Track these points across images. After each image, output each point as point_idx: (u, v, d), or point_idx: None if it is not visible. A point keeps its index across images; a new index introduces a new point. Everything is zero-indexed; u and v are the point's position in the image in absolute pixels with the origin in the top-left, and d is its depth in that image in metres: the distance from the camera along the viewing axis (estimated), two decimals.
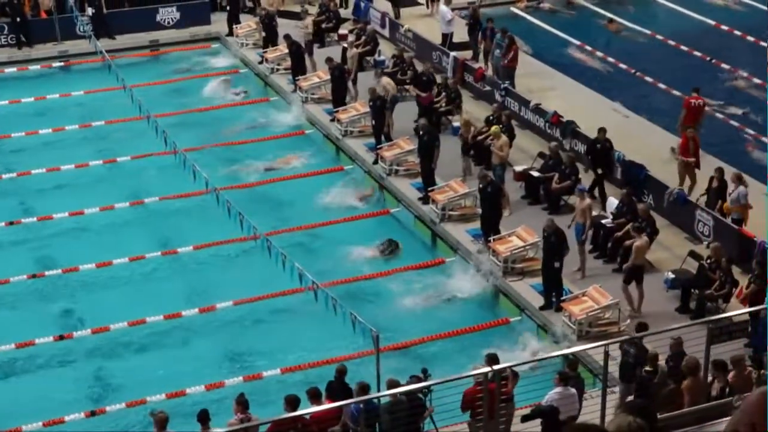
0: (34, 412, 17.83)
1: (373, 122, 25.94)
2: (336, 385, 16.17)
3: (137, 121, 25.96)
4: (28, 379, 19.07)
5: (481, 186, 21.82)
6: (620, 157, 23.26)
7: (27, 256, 22.67)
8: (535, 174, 23.52)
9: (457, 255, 22.12)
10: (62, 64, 32.42)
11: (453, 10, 31.42)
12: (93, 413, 17.90)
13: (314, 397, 15.50)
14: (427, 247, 23.29)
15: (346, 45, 29.97)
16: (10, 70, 31.85)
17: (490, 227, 21.63)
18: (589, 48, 32.74)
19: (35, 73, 31.93)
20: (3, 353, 19.49)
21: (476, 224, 22.42)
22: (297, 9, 33.77)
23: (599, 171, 23.06)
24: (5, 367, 19.34)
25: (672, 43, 32.85)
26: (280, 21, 32.47)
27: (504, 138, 23.54)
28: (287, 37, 29.84)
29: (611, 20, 34.88)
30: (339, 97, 27.73)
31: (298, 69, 29.51)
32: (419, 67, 28.06)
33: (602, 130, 23.42)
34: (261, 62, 31.15)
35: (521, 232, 21.40)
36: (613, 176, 23.44)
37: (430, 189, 23.45)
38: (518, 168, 23.93)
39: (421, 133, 23.99)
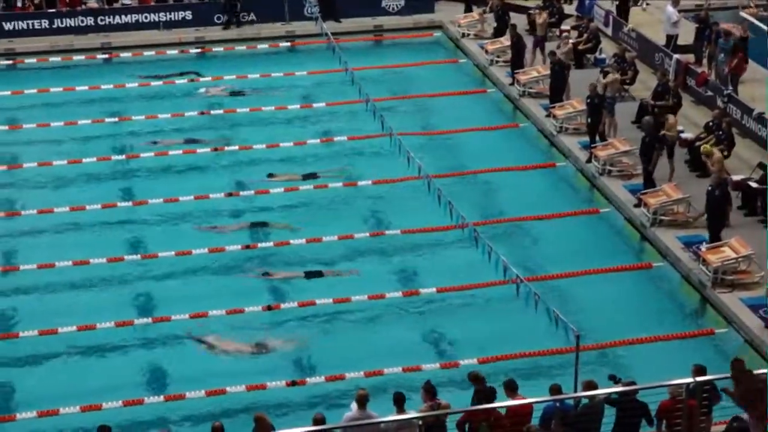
0: (237, 378, 18.55)
1: (589, 120, 25.72)
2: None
3: (356, 104, 26.52)
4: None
5: (710, 188, 21.41)
6: None
7: (245, 226, 23.49)
8: (754, 185, 22.87)
9: (666, 261, 21.77)
10: (289, 44, 33.45)
11: (680, 12, 30.78)
12: (294, 383, 18.46)
13: (511, 389, 15.52)
14: (635, 250, 22.99)
15: (533, 13, 30.06)
16: (240, 48, 33.07)
17: (712, 233, 21.22)
18: None
19: (263, 51, 33.04)
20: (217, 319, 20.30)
21: (688, 231, 22.04)
22: (522, 2, 33.75)
23: None
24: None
25: None
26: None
27: (717, 154, 22.92)
28: (513, 26, 29.98)
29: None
30: (557, 93, 27.60)
31: (517, 62, 29.53)
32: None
33: None
34: (486, 54, 31.23)
35: (734, 243, 20.88)
36: None
37: (642, 192, 23.12)
38: (736, 177, 23.30)
39: (643, 133, 23.65)
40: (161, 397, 18.14)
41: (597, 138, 25.55)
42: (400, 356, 19.05)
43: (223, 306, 20.35)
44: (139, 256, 22.28)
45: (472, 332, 20.01)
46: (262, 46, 33.28)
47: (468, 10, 33.94)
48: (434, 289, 21.05)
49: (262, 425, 14.55)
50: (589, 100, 25.65)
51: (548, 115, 27.38)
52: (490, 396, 15.22)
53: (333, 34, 28.25)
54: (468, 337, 19.86)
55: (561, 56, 27.86)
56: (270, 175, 24.93)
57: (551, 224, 23.46)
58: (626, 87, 27.87)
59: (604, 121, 25.68)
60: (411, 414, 14.86)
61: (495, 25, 32.09)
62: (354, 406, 14.92)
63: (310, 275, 21.73)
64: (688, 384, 14.34)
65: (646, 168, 23.51)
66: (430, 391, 15.36)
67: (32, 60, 32.29)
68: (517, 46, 29.59)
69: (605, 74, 27.36)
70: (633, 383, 15.37)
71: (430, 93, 29.85)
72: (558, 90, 27.63)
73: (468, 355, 19.12)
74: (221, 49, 33.12)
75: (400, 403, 15.05)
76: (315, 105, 29.24)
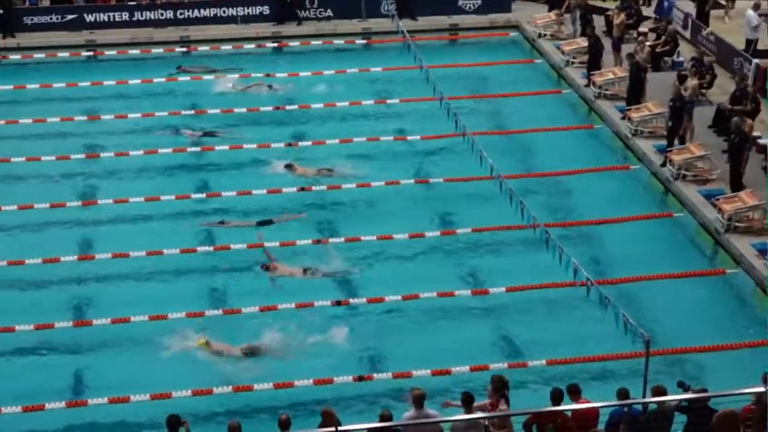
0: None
1: (670, 123, 25.44)
2: None
3: (430, 102, 26.54)
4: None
5: None
6: None
7: (313, 219, 23.69)
8: None
9: (740, 268, 21.52)
10: (365, 41, 33.59)
11: (760, 16, 30.36)
12: (361, 378, 18.57)
13: (574, 393, 15.46)
14: (708, 256, 22.74)
15: (611, 14, 29.80)
16: (316, 42, 33.27)
17: None
18: None
19: (339, 47, 33.22)
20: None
21: (763, 238, 21.78)
22: (600, 3, 33.55)
23: None
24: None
25: None
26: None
27: None
28: (591, 27, 29.84)
29: None
30: (634, 96, 27.39)
31: (595, 63, 29.34)
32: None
33: None
34: (562, 55, 31.09)
35: None
36: None
37: (716, 197, 22.88)
38: None
39: (732, 134, 23.38)
40: (230, 388, 18.33)
41: (676, 142, 25.28)
42: (467, 355, 19.05)
43: (292, 300, 20.50)
44: (211, 247, 22.51)
45: (540, 333, 19.95)
46: (338, 42, 33.45)
47: (551, 10, 33.77)
48: (503, 289, 21.02)
49: (329, 420, 14.64)
50: (671, 103, 25.38)
51: (623, 118, 27.17)
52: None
53: (409, 31, 28.25)
54: (536, 339, 19.79)
55: (639, 59, 27.62)
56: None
57: (623, 227, 23.29)
58: (704, 91, 27.57)
59: (686, 126, 25.38)
60: (480, 414, 14.90)
61: (579, 23, 31.90)
62: (411, 406, 14.96)
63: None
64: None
65: (735, 168, 23.24)
66: (496, 390, 15.33)
67: (112, 52, 32.77)
68: (595, 48, 29.39)
69: (682, 78, 27.11)
70: (704, 390, 15.23)
71: (505, 93, 29.78)
72: (635, 92, 27.39)
73: (536, 357, 19.06)
74: (297, 44, 33.35)
75: (468, 403, 15.05)
76: (389, 102, 29.34)
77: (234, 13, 34.23)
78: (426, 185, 25.17)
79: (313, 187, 24.85)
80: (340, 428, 13.63)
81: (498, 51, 33.10)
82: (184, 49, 33.18)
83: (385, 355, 19.41)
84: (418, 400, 14.92)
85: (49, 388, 18.50)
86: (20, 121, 28.19)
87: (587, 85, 29.21)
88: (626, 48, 29.60)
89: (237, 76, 30.69)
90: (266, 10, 34.25)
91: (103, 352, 19.44)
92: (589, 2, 33.28)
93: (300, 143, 27.09)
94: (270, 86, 30.10)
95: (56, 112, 28.47)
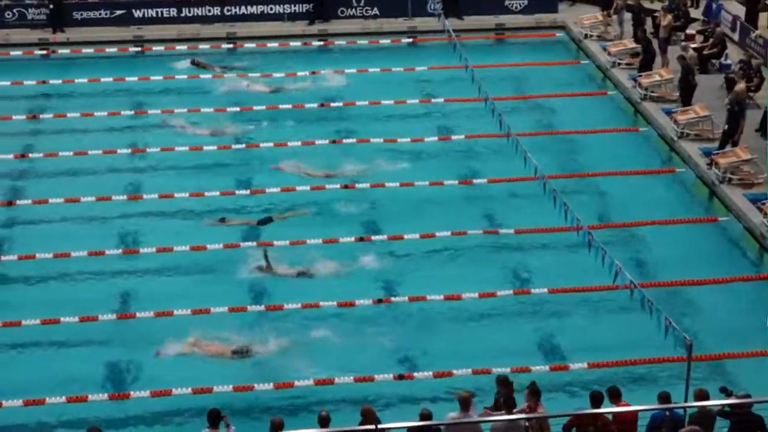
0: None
1: (726, 126, 25.24)
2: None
3: (475, 102, 26.52)
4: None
5: None
6: None
7: (356, 219, 23.74)
8: None
9: None
10: (410, 40, 33.63)
11: None
12: (401, 377, 18.60)
13: (614, 396, 15.41)
14: (753, 261, 22.57)
15: (658, 15, 29.60)
16: (362, 42, 33.36)
17: None
18: None
19: (384, 45, 33.29)
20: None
21: None
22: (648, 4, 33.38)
23: None
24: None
25: None
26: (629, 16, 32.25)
27: None
28: (644, 30, 29.68)
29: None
30: (682, 97, 27.22)
31: (647, 65, 29.18)
32: None
33: None
34: (608, 56, 30.96)
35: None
36: None
37: (762, 201, 22.69)
38: None
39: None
40: (271, 385, 18.43)
41: (730, 145, 25.09)
42: (508, 356, 19.03)
43: (334, 298, 20.60)
44: (254, 243, 22.63)
45: (582, 336, 19.91)
46: (384, 41, 33.52)
47: (603, 10, 33.61)
48: (546, 290, 20.98)
49: (369, 418, 14.69)
50: (729, 107, 25.20)
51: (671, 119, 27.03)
52: (512, 402, 15.20)
53: (455, 31, 28.24)
54: (578, 341, 19.75)
55: (688, 60, 27.49)
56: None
57: (668, 230, 23.15)
58: (751, 94, 27.34)
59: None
60: (520, 416, 14.89)
61: (630, 24, 31.74)
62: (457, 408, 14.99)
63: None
64: None
65: None
66: (535, 393, 15.33)
67: (160, 47, 33.02)
68: (648, 49, 29.27)
69: (730, 81, 26.91)
70: (748, 396, 15.12)
71: (550, 93, 29.70)
72: (686, 94, 27.25)
73: (577, 359, 19.02)
74: (343, 42, 33.44)
75: (509, 405, 15.05)
76: (433, 101, 29.36)
77: (281, 11, 34.38)
78: (470, 185, 25.14)
79: (357, 185, 24.90)
80: (379, 426, 13.67)
81: (544, 51, 33.03)
82: (230, 46, 33.35)
83: (425, 353, 19.42)
84: (465, 403, 14.97)
85: (91, 379, 18.69)
86: (68, 115, 28.45)
87: (634, 87, 29.06)
88: (673, 50, 29.45)
89: (234, 75, 30.87)
90: (312, 8, 34.36)
91: (145, 345, 19.59)
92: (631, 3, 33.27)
93: (344, 140, 27.17)
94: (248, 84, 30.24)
95: (104, 107, 28.73)
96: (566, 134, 27.52)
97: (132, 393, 18.17)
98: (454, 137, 27.36)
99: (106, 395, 18.17)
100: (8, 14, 33.68)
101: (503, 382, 15.87)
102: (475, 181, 25.27)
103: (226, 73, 31.02)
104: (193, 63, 31.45)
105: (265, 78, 30.65)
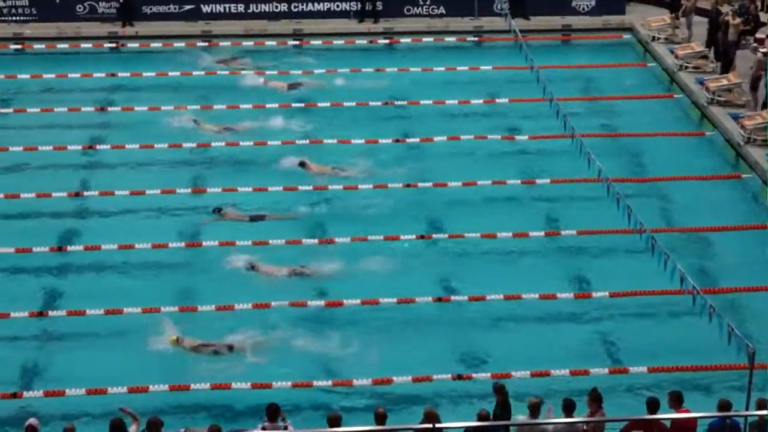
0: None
1: None
2: None
3: (539, 102, 26.44)
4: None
5: None
6: None
7: (419, 219, 23.76)
8: None
9: None
10: (476, 39, 33.60)
11: None
12: (459, 377, 18.61)
13: (676, 401, 15.29)
14: None
15: (728, 19, 29.26)
16: (427, 39, 33.37)
17: None
18: None
19: (450, 44, 33.27)
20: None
21: None
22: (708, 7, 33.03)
23: None
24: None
25: None
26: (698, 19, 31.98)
27: None
28: (725, 33, 29.42)
29: None
30: (754, 102, 26.98)
31: (725, 68, 28.90)
32: None
33: None
34: (676, 59, 30.67)
35: None
36: None
37: None
38: None
39: None
40: (330, 382, 18.53)
41: None
42: (567, 358, 18.97)
43: (395, 294, 20.61)
44: (316, 240, 22.74)
45: (642, 340, 19.78)
46: (450, 39, 33.51)
47: (672, 12, 33.33)
48: (607, 293, 20.86)
49: (431, 421, 14.72)
50: None
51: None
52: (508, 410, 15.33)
53: (521, 31, 28.19)
54: (638, 345, 19.62)
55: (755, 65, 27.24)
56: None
57: (732, 236, 22.92)
58: None
59: None
60: (577, 418, 14.85)
61: (707, 29, 31.47)
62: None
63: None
64: None
65: None
66: (596, 399, 15.28)
67: (227, 43, 33.27)
68: (726, 53, 29.01)
69: None
70: None
71: (616, 95, 29.52)
72: (754, 101, 27.03)
73: (638, 363, 18.88)
74: (409, 40, 33.47)
75: (569, 409, 15.03)
76: (498, 101, 29.30)
77: (347, 8, 34.51)
78: (532, 185, 25.07)
79: (419, 184, 24.93)
80: (437, 425, 13.70)
81: (610, 53, 32.81)
82: (297, 43, 33.52)
83: (484, 354, 19.42)
84: (535, 408, 15.07)
85: (151, 369, 18.94)
86: (136, 108, 28.78)
87: (703, 90, 28.76)
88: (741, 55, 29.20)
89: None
90: (379, 5, 34.44)
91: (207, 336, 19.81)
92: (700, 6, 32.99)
93: (408, 139, 27.22)
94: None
95: (170, 101, 29.01)
96: (631, 137, 27.33)
97: (192, 385, 18.33)
98: (517, 137, 27.29)
99: (166, 386, 18.35)
100: (79, 8, 34.15)
101: (499, 389, 15.91)
102: (538, 181, 25.18)
103: (291, 69, 31.16)
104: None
105: (330, 75, 30.76)
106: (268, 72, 30.95)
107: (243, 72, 30.92)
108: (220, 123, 27.92)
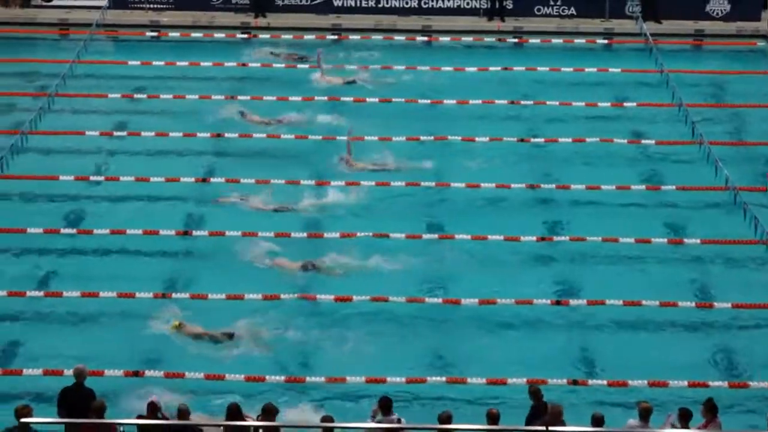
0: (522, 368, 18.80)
1: None
2: None
3: (668, 107, 26.11)
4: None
5: None
6: None
7: (540, 219, 23.72)
8: None
9: None
10: (606, 41, 33.31)
11: None
12: (575, 382, 18.46)
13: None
14: None
15: None
16: (557, 40, 33.21)
17: None
18: None
19: (580, 45, 33.04)
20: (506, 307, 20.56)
21: None
22: None
23: None
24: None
25: None
26: None
27: None
28: None
29: None
30: None
31: None
32: None
33: None
34: None
35: None
36: None
37: None
38: None
39: None
40: (403, 379, 18.39)
41: None
42: (685, 369, 18.71)
43: (513, 296, 20.61)
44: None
45: (763, 353, 19.41)
46: (579, 41, 33.28)
47: None
48: (729, 305, 20.51)
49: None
50: None
51: None
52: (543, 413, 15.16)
53: (652, 34, 27.89)
54: (759, 358, 19.27)
55: None
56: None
57: None
58: None
59: None
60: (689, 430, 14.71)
61: None
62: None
63: None
64: None
65: None
66: (711, 409, 15.12)
67: (356, 36, 33.56)
68: None
69: None
70: None
71: (746, 103, 28.95)
72: None
73: (758, 377, 18.55)
74: (538, 40, 33.33)
75: (686, 419, 14.92)
76: (626, 104, 28.98)
77: (477, 6, 34.51)
78: (657, 191, 24.76)
79: (542, 185, 24.84)
80: (551, 428, 13.71)
81: (743, 60, 32.23)
82: (426, 39, 33.66)
83: (601, 360, 19.27)
84: (646, 413, 15.01)
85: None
86: (264, 98, 29.18)
87: None
88: None
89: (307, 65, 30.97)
90: (509, 4, 34.36)
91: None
92: None
93: (532, 140, 27.13)
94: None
95: (299, 92, 29.33)
96: (761, 146, 26.78)
97: (307, 378, 18.53)
98: (644, 141, 26.97)
99: (282, 377, 18.57)
100: None
101: (535, 393, 15.92)
102: (662, 187, 24.85)
103: (419, 66, 31.30)
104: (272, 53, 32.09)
105: (457, 72, 30.81)
106: (395, 67, 31.07)
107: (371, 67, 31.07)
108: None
